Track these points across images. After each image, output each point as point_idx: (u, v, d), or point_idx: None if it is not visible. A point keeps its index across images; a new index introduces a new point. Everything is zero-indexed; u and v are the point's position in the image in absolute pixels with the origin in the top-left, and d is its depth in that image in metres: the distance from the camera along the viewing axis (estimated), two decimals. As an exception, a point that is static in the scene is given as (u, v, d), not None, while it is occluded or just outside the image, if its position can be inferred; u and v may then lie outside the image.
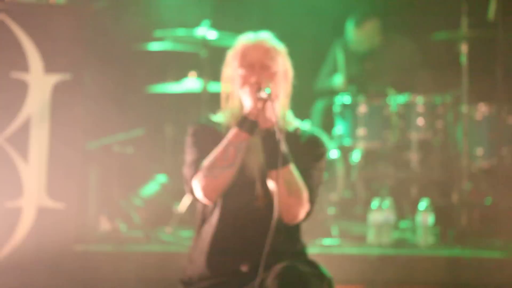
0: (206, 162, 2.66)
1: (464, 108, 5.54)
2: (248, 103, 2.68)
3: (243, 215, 2.71)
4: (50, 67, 4.90)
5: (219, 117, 2.87)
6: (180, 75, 6.37)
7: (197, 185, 2.67)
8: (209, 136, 2.77)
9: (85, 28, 5.16)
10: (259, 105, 2.65)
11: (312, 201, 2.73)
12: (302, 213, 2.70)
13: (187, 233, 5.25)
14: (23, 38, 4.86)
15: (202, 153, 2.72)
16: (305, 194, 2.68)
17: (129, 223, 5.47)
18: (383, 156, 5.80)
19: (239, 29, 5.88)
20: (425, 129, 5.60)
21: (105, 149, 5.51)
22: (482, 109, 5.66)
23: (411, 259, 4.73)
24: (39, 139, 4.86)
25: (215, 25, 5.79)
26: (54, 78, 4.93)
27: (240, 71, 2.77)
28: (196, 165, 2.71)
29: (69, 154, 4.90)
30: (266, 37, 2.82)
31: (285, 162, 2.63)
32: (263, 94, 2.65)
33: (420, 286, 4.64)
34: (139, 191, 5.83)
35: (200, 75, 6.04)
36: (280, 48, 2.82)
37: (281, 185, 2.62)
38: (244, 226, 2.71)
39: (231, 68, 2.82)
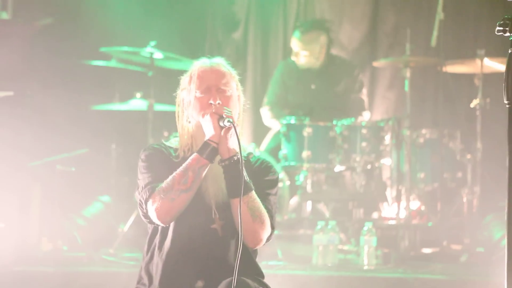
0: (164, 184, 2.67)
1: (407, 132, 5.64)
2: (209, 131, 2.69)
3: (198, 237, 2.73)
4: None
5: (171, 143, 2.88)
6: (126, 94, 6.33)
7: (151, 207, 2.67)
8: (162, 160, 2.78)
9: (29, 45, 5.09)
10: (222, 133, 2.67)
11: (272, 225, 2.78)
12: (265, 237, 2.75)
13: (130, 254, 5.18)
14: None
15: (155, 177, 2.73)
16: (267, 219, 2.73)
17: (71, 243, 5.36)
18: (328, 177, 5.85)
19: (185, 52, 5.95)
20: (369, 152, 5.67)
21: (48, 167, 5.40)
22: (424, 134, 5.77)
23: (355, 280, 4.76)
24: (-21, 156, 4.75)
25: (161, 47, 5.79)
26: (-5, 95, 4.85)
27: (197, 94, 2.78)
28: (150, 188, 2.71)
29: (9, 171, 4.80)
30: (220, 62, 2.86)
31: (249, 190, 2.69)
32: (227, 123, 2.67)
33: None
34: (82, 210, 5.73)
35: (146, 94, 6.01)
36: (233, 73, 2.86)
37: (245, 212, 2.66)
38: (199, 247, 2.73)
39: (187, 91, 2.82)
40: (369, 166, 5.67)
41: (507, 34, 2.29)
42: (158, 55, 5.78)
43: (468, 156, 5.74)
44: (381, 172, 5.80)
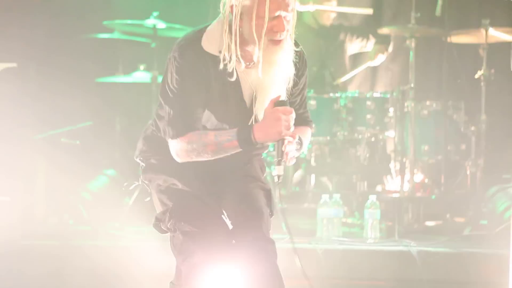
0: (197, 141, 2.73)
1: (411, 104, 5.61)
2: (269, 139, 2.74)
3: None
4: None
5: (209, 42, 2.78)
6: (129, 67, 6.30)
7: (176, 144, 2.76)
8: (200, 76, 2.74)
9: (32, 17, 5.06)
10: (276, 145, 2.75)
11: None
12: None
13: (135, 228, 5.20)
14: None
15: (189, 103, 2.74)
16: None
17: (77, 217, 5.39)
18: (332, 150, 5.84)
19: (188, 21, 5.91)
20: (374, 124, 5.65)
21: (53, 140, 5.41)
22: (429, 105, 5.75)
23: (359, 253, 4.79)
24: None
25: (163, 17, 5.75)
26: (-2, 67, 4.84)
27: (263, 16, 2.67)
28: (182, 121, 2.75)
29: (14, 145, 4.81)
30: None
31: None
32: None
33: (367, 281, 4.70)
34: (87, 184, 5.74)
35: (149, 66, 5.99)
36: None
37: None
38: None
39: (249, 2, 2.71)
40: (373, 139, 5.66)
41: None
42: (161, 25, 5.75)
43: (472, 128, 5.72)
44: (385, 144, 5.79)
